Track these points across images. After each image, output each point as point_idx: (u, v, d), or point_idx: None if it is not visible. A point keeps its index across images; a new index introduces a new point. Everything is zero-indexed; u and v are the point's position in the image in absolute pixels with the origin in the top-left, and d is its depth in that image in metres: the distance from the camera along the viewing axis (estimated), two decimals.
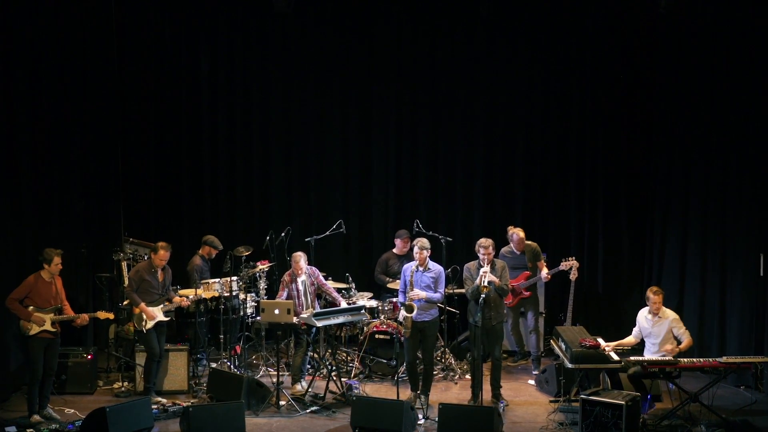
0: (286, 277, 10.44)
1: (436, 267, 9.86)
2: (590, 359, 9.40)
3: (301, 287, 10.40)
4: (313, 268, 10.61)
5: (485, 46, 12.72)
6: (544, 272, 11.22)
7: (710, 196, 11.43)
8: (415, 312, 9.61)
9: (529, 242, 11.45)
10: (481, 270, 9.62)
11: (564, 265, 11.09)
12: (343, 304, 10.60)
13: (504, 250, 11.50)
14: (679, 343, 9.60)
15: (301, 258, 10.41)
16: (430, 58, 12.82)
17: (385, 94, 12.94)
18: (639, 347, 10.01)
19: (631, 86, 12.32)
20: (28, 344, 9.46)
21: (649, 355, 9.68)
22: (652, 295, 9.65)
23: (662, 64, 12.02)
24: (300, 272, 10.38)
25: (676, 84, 11.82)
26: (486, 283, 9.48)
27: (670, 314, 9.71)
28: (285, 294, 10.35)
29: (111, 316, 10.08)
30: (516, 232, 11.34)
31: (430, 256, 9.90)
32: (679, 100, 11.80)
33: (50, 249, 9.55)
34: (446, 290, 10.95)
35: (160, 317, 10.16)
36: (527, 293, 11.39)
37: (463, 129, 12.90)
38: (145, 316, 10.06)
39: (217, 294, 10.86)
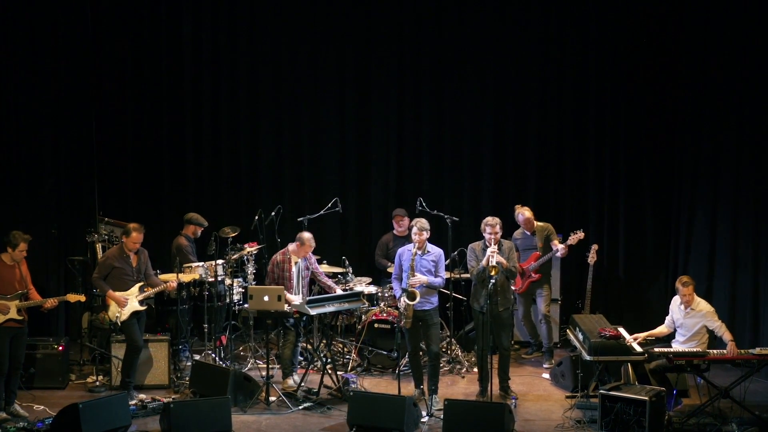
0: (278, 256, 10.32)
1: (435, 249, 9.79)
2: (610, 351, 9.35)
3: (294, 269, 10.30)
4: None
5: (495, 4, 12.58)
6: (560, 247, 11.12)
7: (742, 171, 11.34)
8: (418, 299, 9.52)
9: (540, 223, 11.38)
10: (489, 250, 9.54)
11: (572, 239, 11.01)
12: (339, 293, 10.51)
13: (516, 233, 11.45)
14: (714, 337, 9.54)
15: (314, 245, 10.36)
16: (435, 19, 12.72)
17: (385, 59, 12.85)
18: (668, 338, 9.94)
19: (655, 50, 12.17)
20: None
21: (677, 346, 9.60)
22: (681, 287, 9.57)
23: (690, 26, 11.87)
24: (303, 256, 10.32)
25: (706, 47, 11.68)
26: (494, 262, 9.38)
27: (704, 307, 9.63)
28: (269, 281, 10.25)
29: (82, 298, 10.01)
30: (522, 212, 11.31)
31: (434, 238, 9.79)
32: (708, 65, 11.67)
33: (18, 233, 9.45)
34: (453, 275, 11.00)
35: (136, 306, 10.04)
36: (536, 276, 11.31)
37: (471, 97, 12.80)
38: (118, 306, 9.95)
39: (197, 277, 10.75)
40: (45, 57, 11.73)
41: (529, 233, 11.37)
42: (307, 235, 10.37)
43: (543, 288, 11.41)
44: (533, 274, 11.33)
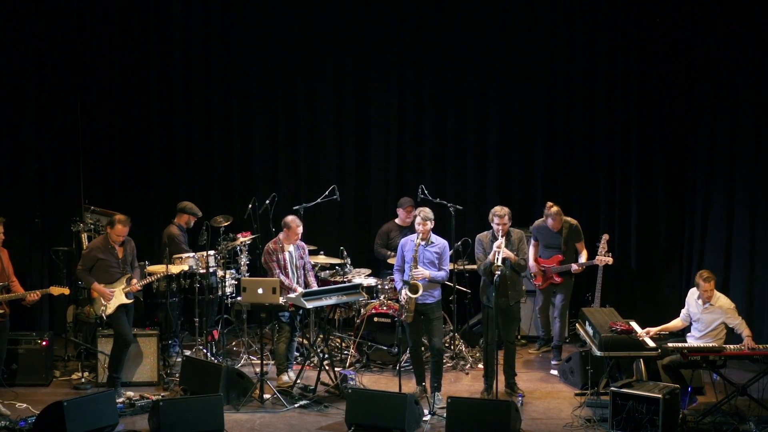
0: (270, 245, 10.28)
1: (439, 241, 9.74)
2: (622, 346, 9.32)
3: (287, 257, 10.26)
4: (301, 242, 10.47)
5: None
6: (575, 265, 11.04)
7: (761, 157, 11.29)
8: (420, 292, 9.47)
9: (568, 218, 11.24)
10: (495, 244, 9.50)
11: (598, 260, 10.87)
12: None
13: (538, 222, 11.36)
14: (732, 333, 9.52)
15: (300, 225, 10.30)
16: None
17: (385, 39, 12.83)
18: (682, 333, 9.92)
19: (669, 30, 12.09)
20: None
21: (692, 341, 9.57)
22: (702, 282, 9.53)
23: (706, 8, 11.76)
24: (295, 241, 10.28)
25: (724, 26, 11.60)
26: (499, 262, 9.34)
27: (724, 303, 9.60)
28: (278, 270, 10.18)
29: (66, 291, 9.98)
30: (551, 214, 11.12)
31: (437, 228, 9.75)
32: (726, 45, 11.60)
33: None
34: (457, 266, 10.94)
35: (122, 300, 9.98)
36: (559, 279, 11.22)
37: (475, 80, 12.77)
38: (103, 300, 9.90)
39: (186, 268, 10.69)
40: (28, 37, 11.69)
41: (554, 230, 11.24)
42: (289, 218, 10.33)
43: (564, 288, 11.32)
44: (555, 278, 11.24)
